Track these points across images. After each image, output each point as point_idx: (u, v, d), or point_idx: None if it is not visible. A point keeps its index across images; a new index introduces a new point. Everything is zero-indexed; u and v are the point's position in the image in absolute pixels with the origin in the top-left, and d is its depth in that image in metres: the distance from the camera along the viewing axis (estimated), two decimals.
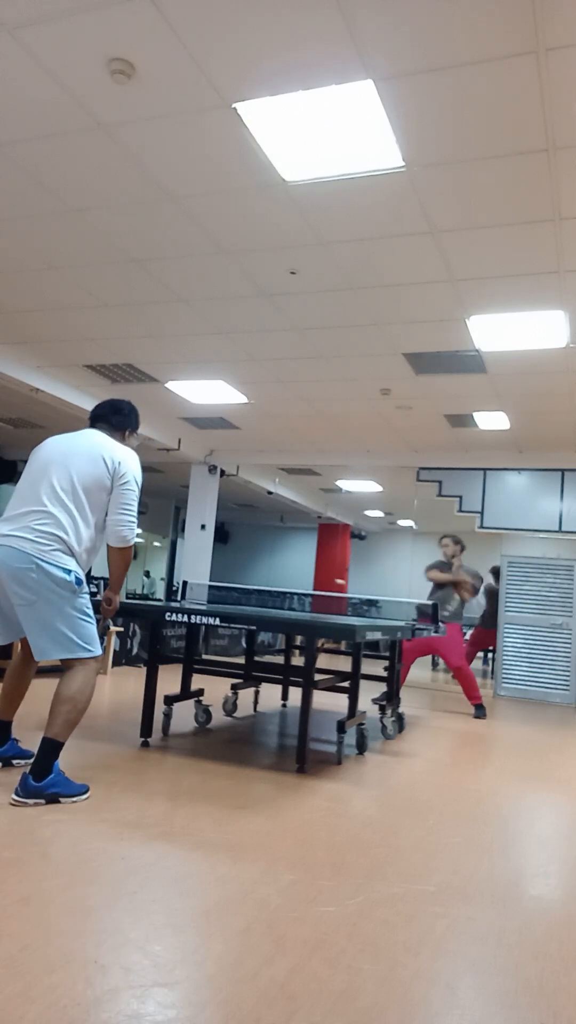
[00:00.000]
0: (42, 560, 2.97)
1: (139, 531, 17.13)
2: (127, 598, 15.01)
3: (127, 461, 3.21)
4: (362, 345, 6.10)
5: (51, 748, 2.91)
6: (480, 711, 6.69)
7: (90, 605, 3.15)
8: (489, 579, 9.32)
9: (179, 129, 3.52)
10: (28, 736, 3.80)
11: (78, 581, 3.06)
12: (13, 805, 2.80)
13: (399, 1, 2.67)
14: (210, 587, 6.16)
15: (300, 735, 3.82)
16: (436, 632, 5.77)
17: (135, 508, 3.20)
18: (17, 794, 2.83)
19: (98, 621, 3.23)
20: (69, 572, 3.03)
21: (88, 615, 3.10)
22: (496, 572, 9.39)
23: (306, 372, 6.94)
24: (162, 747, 4.10)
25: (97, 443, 3.21)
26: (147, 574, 18.09)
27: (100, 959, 1.72)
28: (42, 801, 2.84)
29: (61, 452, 3.17)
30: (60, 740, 2.93)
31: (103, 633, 3.34)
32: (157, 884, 2.19)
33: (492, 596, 9.27)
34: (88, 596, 3.15)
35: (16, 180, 4.08)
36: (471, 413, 7.74)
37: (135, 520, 3.20)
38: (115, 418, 3.40)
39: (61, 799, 2.89)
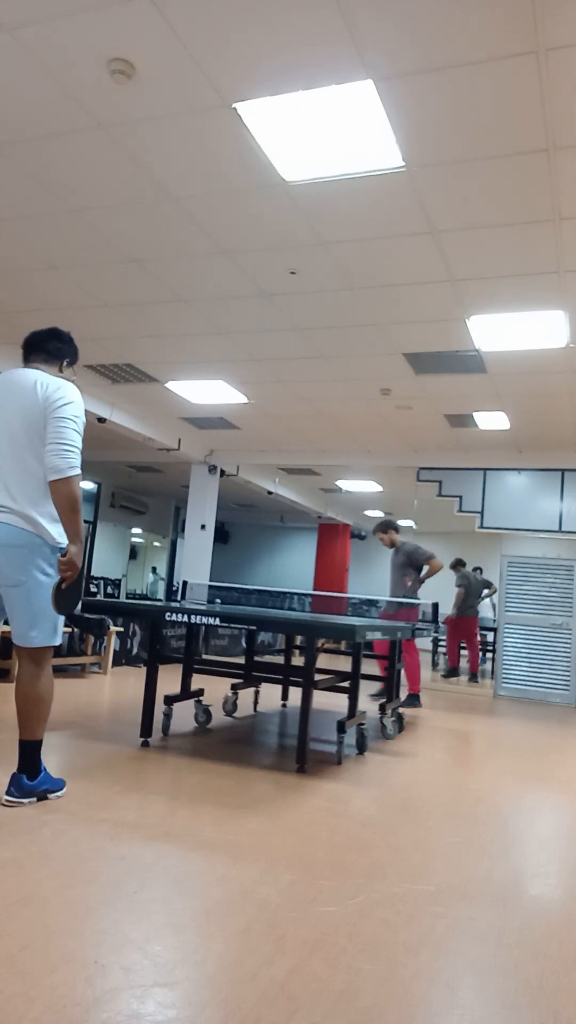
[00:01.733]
0: (37, 534, 2.79)
1: (138, 529, 17.18)
2: (127, 597, 15.01)
3: (63, 387, 2.88)
4: (362, 345, 6.10)
5: (35, 748, 2.87)
6: (413, 700, 6.74)
7: None
8: (461, 572, 10.01)
9: (179, 129, 3.52)
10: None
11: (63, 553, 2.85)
12: (7, 806, 2.79)
13: (399, 1, 2.66)
14: (210, 587, 6.15)
15: (300, 735, 3.82)
16: (436, 632, 5.78)
17: (72, 440, 2.81)
18: (11, 795, 2.81)
19: (58, 583, 2.84)
20: (57, 548, 2.85)
21: None
22: (458, 564, 10.05)
23: (306, 372, 6.94)
24: (162, 747, 4.09)
25: (28, 379, 2.90)
26: (154, 570, 18.08)
27: (100, 959, 1.72)
28: (35, 800, 2.85)
29: (1, 404, 2.88)
30: (40, 738, 2.90)
31: (64, 603, 2.87)
32: (157, 884, 2.19)
33: (466, 584, 9.84)
34: None
35: (16, 180, 4.08)
36: (471, 413, 7.74)
37: (74, 450, 2.81)
38: (52, 344, 3.06)
39: (49, 795, 2.91)
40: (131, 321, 6.07)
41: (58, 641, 2.94)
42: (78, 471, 2.82)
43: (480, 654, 10.45)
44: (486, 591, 10.51)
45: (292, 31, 2.84)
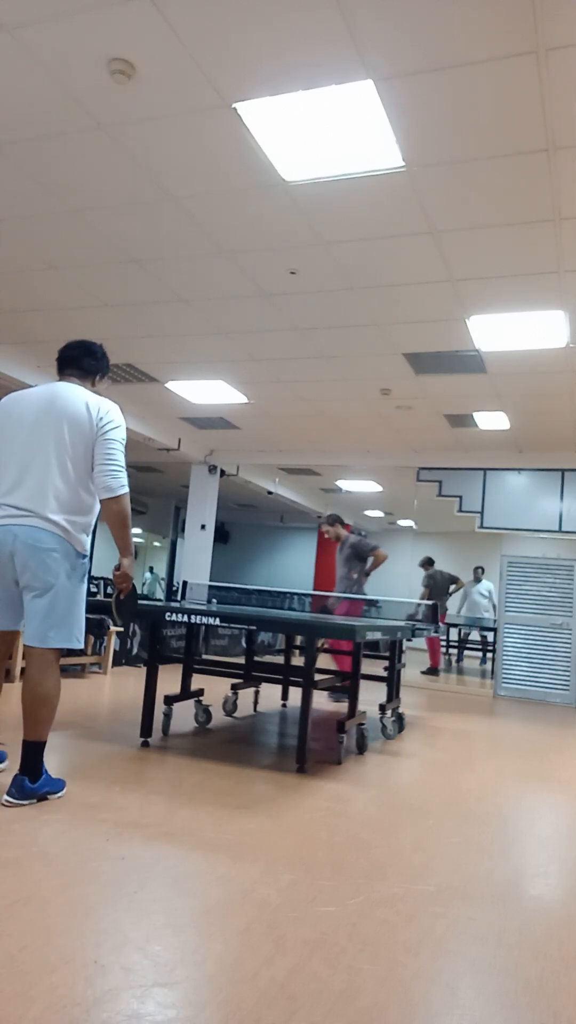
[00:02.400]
0: (68, 541, 2.93)
1: (139, 530, 17.17)
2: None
3: (112, 411, 3.06)
4: (362, 345, 6.10)
5: (39, 748, 2.88)
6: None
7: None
8: (428, 572, 10.50)
9: (179, 129, 3.52)
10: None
11: (87, 565, 3.04)
12: (7, 807, 2.79)
13: (399, 1, 2.67)
14: (210, 587, 6.15)
15: (300, 735, 3.82)
16: (436, 632, 5.78)
17: (121, 460, 3.03)
18: (12, 796, 2.81)
19: (116, 595, 3.10)
20: (84, 556, 3.01)
21: (84, 606, 3.07)
22: (427, 563, 10.45)
23: (306, 372, 6.94)
24: (162, 747, 4.09)
25: (78, 397, 3.04)
26: (151, 570, 18.08)
27: (100, 959, 1.72)
28: (34, 800, 2.85)
29: (43, 412, 3.00)
30: (44, 739, 2.91)
31: (124, 612, 3.14)
32: (157, 884, 2.19)
33: (431, 583, 10.26)
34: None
35: (16, 180, 4.08)
36: (471, 413, 7.74)
37: (123, 470, 3.03)
38: (87, 361, 3.21)
39: (49, 796, 2.91)
40: (131, 321, 6.07)
41: (78, 645, 3.02)
42: (127, 489, 3.03)
43: (442, 653, 10.79)
44: (452, 586, 10.77)
45: (292, 31, 2.84)
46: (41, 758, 2.89)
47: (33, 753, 2.87)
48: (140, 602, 3.60)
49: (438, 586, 10.42)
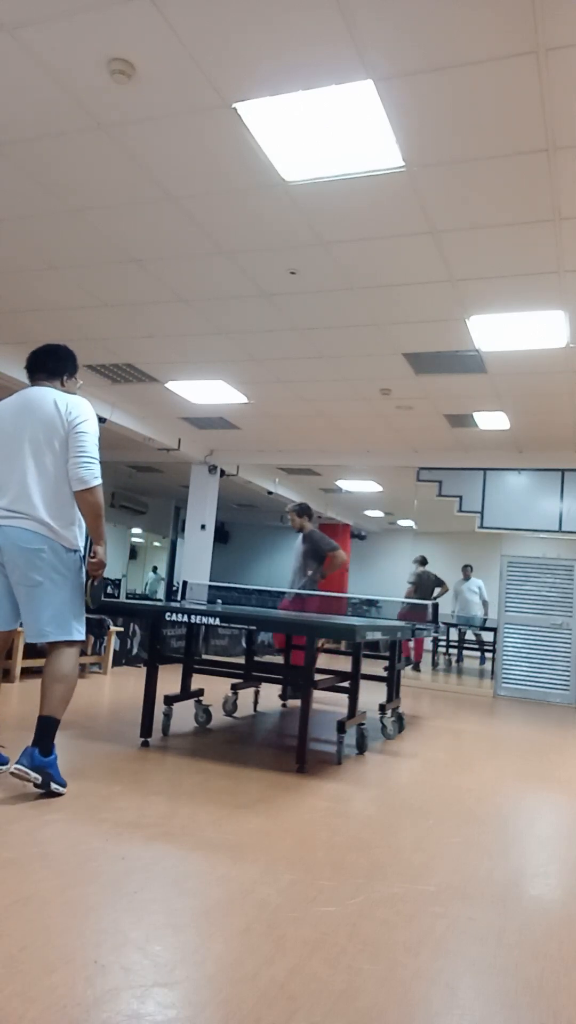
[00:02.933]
0: (55, 539, 3.01)
1: (138, 530, 17.17)
2: (127, 597, 15.01)
3: (81, 405, 3.15)
4: (362, 345, 6.10)
5: (52, 724, 2.98)
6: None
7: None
8: (416, 571, 10.75)
9: (179, 129, 3.52)
10: (9, 738, 3.80)
11: (82, 558, 3.11)
12: (14, 775, 2.86)
13: (399, 1, 2.66)
14: (210, 587, 6.16)
15: (300, 735, 3.82)
16: (436, 632, 5.77)
17: (93, 452, 3.10)
18: (22, 764, 2.87)
19: (90, 581, 3.18)
20: (77, 551, 3.10)
21: (83, 599, 3.17)
22: (421, 561, 10.66)
23: (306, 372, 6.94)
24: (162, 747, 4.09)
25: (47, 398, 3.15)
26: (155, 569, 18.08)
27: (100, 959, 1.72)
28: (39, 779, 2.89)
29: (17, 417, 3.13)
30: (58, 717, 3.00)
31: (96, 597, 3.25)
32: (157, 884, 2.19)
33: (416, 582, 10.48)
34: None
35: (16, 180, 4.08)
36: (471, 413, 7.74)
37: (95, 462, 3.10)
38: (51, 362, 3.30)
39: (52, 783, 2.94)
40: (131, 321, 6.07)
41: (79, 637, 3.10)
42: (99, 480, 3.10)
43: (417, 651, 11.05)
44: (437, 590, 10.86)
45: (292, 31, 2.84)
46: (52, 735, 2.97)
47: (46, 727, 2.96)
48: (140, 602, 3.70)
49: (423, 586, 10.62)
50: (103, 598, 3.37)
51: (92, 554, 3.18)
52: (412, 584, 10.58)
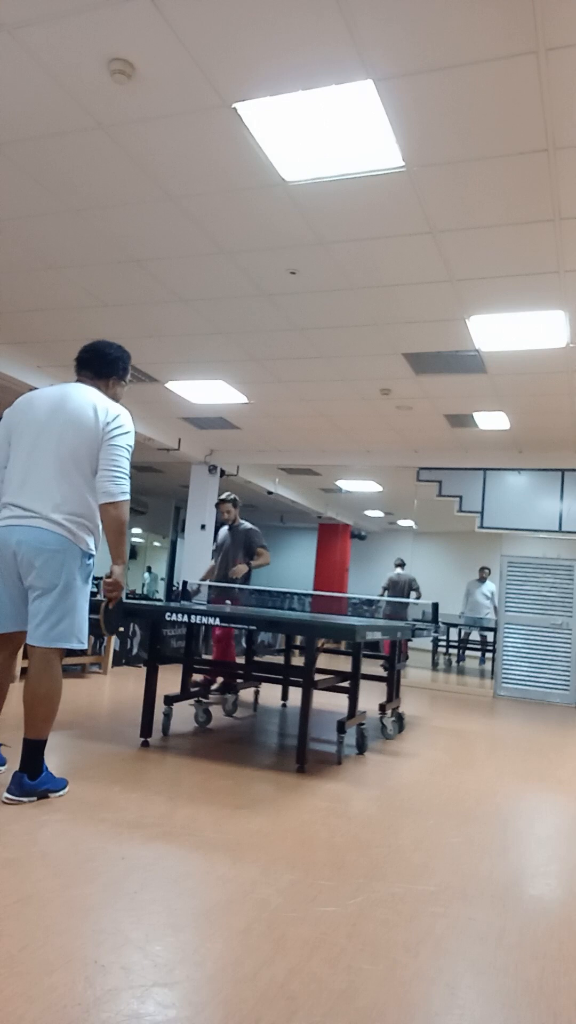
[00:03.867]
0: (73, 542, 2.94)
1: (138, 530, 17.17)
2: (127, 597, 15.01)
3: (121, 416, 3.05)
4: (362, 345, 6.10)
5: (39, 747, 2.90)
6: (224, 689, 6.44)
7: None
8: (390, 575, 11.27)
9: (179, 129, 3.52)
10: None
11: (91, 566, 3.04)
12: (7, 804, 2.80)
13: (399, 1, 2.66)
14: (210, 587, 6.14)
15: (300, 735, 3.82)
16: (436, 632, 5.77)
17: (125, 467, 3.01)
18: (12, 793, 2.82)
19: (105, 604, 3.08)
20: (90, 556, 3.02)
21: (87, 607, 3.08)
22: (398, 564, 11.07)
23: (306, 372, 6.94)
24: (162, 747, 4.09)
25: (87, 400, 3.04)
26: (149, 570, 18.09)
27: (100, 959, 1.72)
28: (34, 798, 2.86)
29: (51, 412, 3.02)
30: (44, 737, 2.92)
31: (111, 623, 3.10)
32: (157, 884, 2.19)
33: (388, 584, 11.03)
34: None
35: (16, 180, 4.08)
36: (471, 413, 7.74)
37: (126, 477, 3.01)
38: (99, 364, 3.20)
39: (50, 795, 2.92)
40: (131, 321, 6.07)
41: (80, 646, 3.01)
42: (128, 496, 3.01)
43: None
44: (413, 593, 11.25)
45: (292, 31, 2.84)
46: (41, 756, 2.90)
47: (32, 751, 2.88)
48: (141, 602, 3.60)
49: (396, 588, 11.02)
50: (120, 620, 3.16)
51: (108, 574, 3.07)
52: (384, 588, 11.18)
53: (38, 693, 2.92)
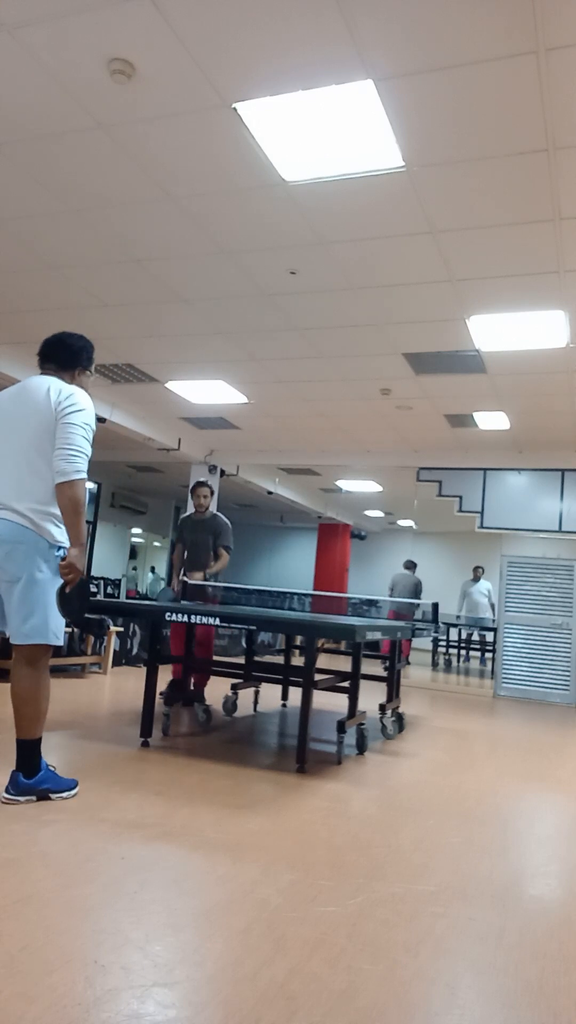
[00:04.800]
0: (36, 532, 2.84)
1: (138, 530, 17.17)
2: (127, 597, 15.00)
3: (75, 394, 2.95)
4: (362, 345, 6.10)
5: (29, 746, 2.87)
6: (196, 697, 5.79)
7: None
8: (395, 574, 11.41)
9: (179, 129, 3.52)
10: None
11: (62, 558, 2.90)
12: (4, 803, 2.80)
13: (399, 1, 2.66)
14: (210, 587, 6.14)
15: (300, 735, 3.82)
16: (436, 632, 5.76)
17: (78, 444, 2.88)
18: (8, 792, 2.82)
19: (61, 588, 2.88)
20: (58, 548, 2.90)
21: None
22: (407, 565, 11.28)
23: (306, 372, 6.94)
24: (162, 747, 4.09)
25: (43, 385, 2.98)
26: (152, 570, 18.10)
27: (100, 959, 1.72)
28: (33, 798, 2.85)
29: (12, 405, 2.98)
30: (35, 736, 2.88)
31: (70, 607, 2.91)
32: (157, 884, 2.19)
33: (392, 584, 11.18)
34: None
35: (16, 180, 4.08)
36: (471, 413, 7.74)
37: (81, 455, 2.87)
38: (62, 355, 3.13)
39: (51, 795, 2.90)
40: (131, 321, 6.07)
41: (56, 642, 2.92)
42: (83, 475, 2.88)
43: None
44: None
45: (292, 31, 2.84)
46: (34, 755, 2.88)
47: (24, 750, 2.87)
48: (141, 602, 3.49)
49: (396, 588, 11.21)
50: (80, 607, 2.95)
51: (63, 557, 2.91)
52: (391, 588, 11.42)
53: (22, 695, 2.88)
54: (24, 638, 2.85)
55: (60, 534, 2.92)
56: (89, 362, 3.22)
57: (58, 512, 2.89)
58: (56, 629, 2.91)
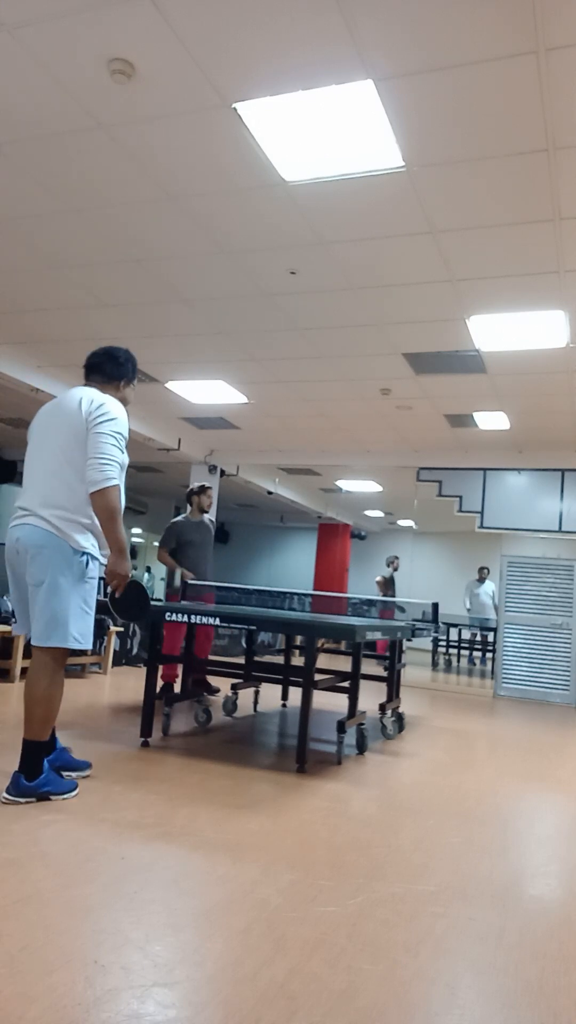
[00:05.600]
0: (60, 537, 2.91)
1: (138, 530, 17.17)
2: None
3: (105, 404, 3.01)
4: (362, 345, 6.10)
5: (35, 748, 2.89)
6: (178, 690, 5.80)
7: (93, 595, 3.05)
8: (387, 570, 11.57)
9: (179, 129, 3.52)
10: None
11: (88, 564, 2.98)
12: (4, 804, 2.80)
13: (399, 1, 2.66)
14: (210, 587, 6.14)
15: (300, 735, 3.82)
16: (436, 632, 5.76)
17: (109, 452, 2.94)
18: (9, 793, 2.83)
19: (111, 594, 3.05)
20: (83, 554, 2.95)
21: (89, 606, 3.01)
22: (391, 562, 11.38)
23: (306, 372, 6.94)
24: (162, 747, 4.09)
25: (77, 395, 3.06)
26: (149, 570, 18.09)
27: (100, 959, 1.72)
28: (33, 800, 2.85)
29: (51, 415, 3.10)
30: (40, 739, 2.91)
31: (123, 610, 3.05)
32: (157, 884, 2.19)
33: (381, 580, 11.35)
34: (94, 584, 3.04)
35: (17, 180, 4.08)
36: (471, 413, 7.74)
37: (112, 463, 2.94)
38: (110, 366, 3.23)
39: (52, 797, 2.90)
40: (132, 321, 6.07)
41: (76, 645, 2.96)
42: (114, 482, 2.94)
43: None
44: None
45: (292, 31, 2.84)
46: (38, 757, 2.90)
47: (29, 752, 2.88)
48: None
49: (387, 586, 11.48)
50: (139, 609, 3.06)
51: (109, 565, 3.04)
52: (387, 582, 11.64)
53: (33, 695, 2.92)
54: (43, 640, 2.90)
55: (85, 540, 2.98)
56: (134, 374, 3.33)
57: (85, 520, 2.97)
58: (78, 633, 2.95)
